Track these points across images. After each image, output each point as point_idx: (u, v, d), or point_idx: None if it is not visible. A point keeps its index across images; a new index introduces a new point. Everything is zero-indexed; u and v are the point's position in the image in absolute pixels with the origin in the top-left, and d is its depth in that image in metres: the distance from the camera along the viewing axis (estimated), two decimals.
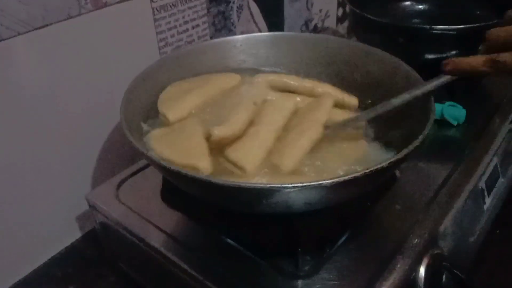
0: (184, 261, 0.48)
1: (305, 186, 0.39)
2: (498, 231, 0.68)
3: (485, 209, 0.64)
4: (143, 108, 0.56)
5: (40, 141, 0.58)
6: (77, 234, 0.68)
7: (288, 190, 0.39)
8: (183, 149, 0.51)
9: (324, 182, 0.39)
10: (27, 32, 0.53)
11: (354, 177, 0.39)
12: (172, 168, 0.42)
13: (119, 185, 0.59)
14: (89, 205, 0.58)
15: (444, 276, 0.50)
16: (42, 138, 0.59)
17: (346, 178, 0.39)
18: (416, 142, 0.43)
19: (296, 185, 0.39)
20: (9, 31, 0.51)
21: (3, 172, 0.56)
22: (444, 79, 0.49)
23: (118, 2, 0.61)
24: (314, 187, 0.39)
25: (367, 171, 0.40)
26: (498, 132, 0.67)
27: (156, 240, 0.51)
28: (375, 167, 0.40)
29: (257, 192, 0.40)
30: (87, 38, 0.59)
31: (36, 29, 0.54)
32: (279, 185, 0.39)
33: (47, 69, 0.56)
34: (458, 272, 0.50)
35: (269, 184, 0.39)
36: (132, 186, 0.59)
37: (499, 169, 0.67)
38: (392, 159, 0.41)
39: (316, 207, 0.44)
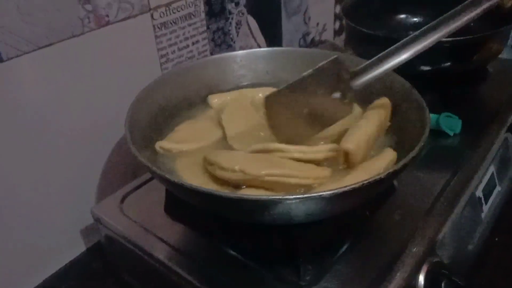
0: (188, 272, 0.49)
1: (305, 197, 0.40)
2: (497, 239, 0.68)
3: (483, 217, 0.64)
4: (147, 122, 0.57)
5: (44, 156, 0.59)
6: (82, 248, 0.68)
7: (289, 201, 0.40)
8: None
9: (323, 193, 0.40)
10: (32, 51, 0.54)
11: (353, 188, 0.41)
12: (175, 181, 0.43)
13: (123, 199, 0.60)
14: (94, 219, 0.59)
15: (443, 284, 0.51)
16: (47, 153, 0.60)
17: (345, 189, 0.40)
18: (413, 153, 0.45)
19: (296, 196, 0.40)
20: (15, 50, 0.52)
21: (8, 186, 0.57)
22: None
23: (120, 20, 0.62)
24: (314, 198, 0.40)
25: (365, 182, 0.41)
26: (494, 141, 0.68)
27: (160, 252, 0.52)
28: (373, 178, 0.42)
29: (259, 204, 0.42)
30: (90, 56, 0.61)
31: (41, 48, 0.55)
32: (280, 197, 0.40)
33: (51, 87, 0.58)
34: (457, 280, 0.51)
35: (271, 195, 0.41)
36: (136, 200, 0.60)
37: (495, 177, 0.68)
38: (390, 170, 0.43)
39: (317, 218, 0.45)
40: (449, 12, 0.50)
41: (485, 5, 0.49)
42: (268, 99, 0.59)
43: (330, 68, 0.54)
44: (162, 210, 0.58)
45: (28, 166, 0.58)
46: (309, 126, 0.56)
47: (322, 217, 0.45)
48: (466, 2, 0.50)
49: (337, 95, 0.53)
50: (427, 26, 0.51)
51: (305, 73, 0.54)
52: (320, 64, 0.54)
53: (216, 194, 0.41)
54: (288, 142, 0.53)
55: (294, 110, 0.56)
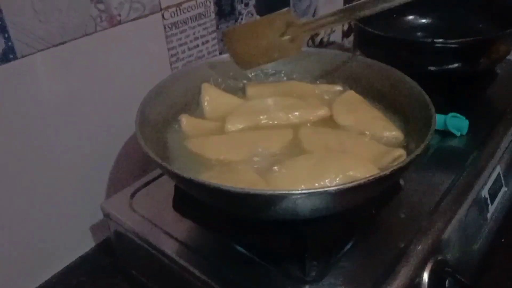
0: (196, 267, 0.50)
1: (311, 192, 0.41)
2: (503, 240, 0.68)
3: (488, 217, 0.64)
4: (157, 120, 0.58)
5: (56, 152, 0.60)
6: (91, 243, 0.69)
7: (295, 196, 0.41)
8: None
9: (329, 188, 0.41)
10: (45, 49, 0.55)
11: (358, 184, 0.41)
12: (184, 176, 0.44)
13: (133, 195, 0.60)
14: (104, 214, 0.60)
15: (447, 282, 0.51)
16: (58, 149, 0.60)
17: (350, 185, 0.41)
18: (418, 151, 0.45)
19: (302, 191, 0.41)
20: (29, 48, 0.53)
21: (20, 181, 0.58)
22: None
23: (132, 20, 0.63)
24: (319, 193, 0.41)
25: (370, 178, 0.42)
26: (501, 142, 0.68)
27: (168, 247, 0.53)
28: (379, 175, 0.42)
29: (265, 198, 0.42)
30: (102, 54, 0.61)
31: (54, 46, 0.56)
32: (287, 192, 0.41)
33: (64, 84, 0.58)
34: (460, 277, 0.51)
35: (277, 190, 0.41)
36: (146, 196, 0.61)
37: (502, 178, 0.68)
38: (395, 167, 0.43)
39: (322, 213, 0.45)
40: None
41: None
42: (226, 34, 0.65)
43: (281, 16, 0.61)
44: (171, 206, 0.59)
45: (39, 161, 0.59)
46: (264, 56, 0.64)
47: (327, 212, 0.46)
48: None
49: (287, 37, 0.61)
50: None
51: (258, 18, 0.63)
52: (273, 13, 0.62)
53: (224, 188, 0.41)
54: (245, 66, 0.65)
55: (250, 43, 0.63)
